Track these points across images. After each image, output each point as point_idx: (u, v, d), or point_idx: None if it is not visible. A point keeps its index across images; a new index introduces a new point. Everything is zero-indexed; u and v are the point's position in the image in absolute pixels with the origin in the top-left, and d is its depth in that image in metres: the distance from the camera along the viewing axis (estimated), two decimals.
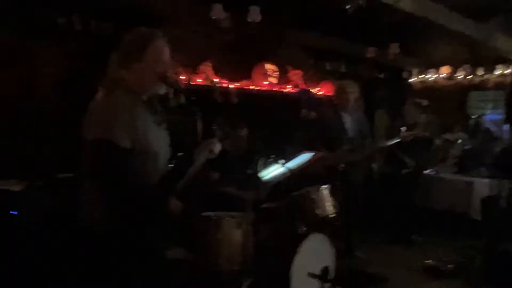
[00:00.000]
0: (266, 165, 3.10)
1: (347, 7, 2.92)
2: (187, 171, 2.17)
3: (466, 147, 6.65)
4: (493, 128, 6.69)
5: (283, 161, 2.94)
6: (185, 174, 2.16)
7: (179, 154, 2.14)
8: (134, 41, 1.95)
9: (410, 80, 7.96)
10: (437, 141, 6.14)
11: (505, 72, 6.76)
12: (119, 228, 1.84)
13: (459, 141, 6.48)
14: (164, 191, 2.00)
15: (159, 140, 1.98)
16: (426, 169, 5.64)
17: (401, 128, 4.84)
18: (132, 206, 1.86)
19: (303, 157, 3.17)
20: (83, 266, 2.17)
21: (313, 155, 3.21)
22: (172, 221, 2.10)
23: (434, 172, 5.81)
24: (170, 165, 2.09)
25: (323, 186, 3.53)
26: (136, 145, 1.83)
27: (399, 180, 5.17)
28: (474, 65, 7.05)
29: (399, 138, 4.69)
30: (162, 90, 2.02)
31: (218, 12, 4.11)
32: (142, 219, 1.91)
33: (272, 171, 3.08)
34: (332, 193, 3.56)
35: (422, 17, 4.16)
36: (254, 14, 4.25)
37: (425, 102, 7.70)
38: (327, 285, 3.25)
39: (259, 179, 3.06)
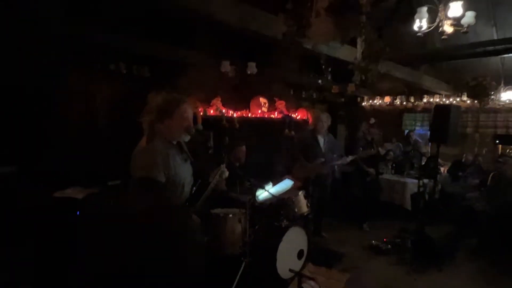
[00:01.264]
0: (257, 187, 3.06)
1: (319, 81, 2.93)
2: (205, 191, 2.21)
3: (401, 155, 6.71)
4: (419, 139, 6.75)
5: (270, 185, 2.93)
6: (203, 193, 2.19)
7: (199, 181, 2.17)
8: (168, 103, 1.97)
9: (362, 104, 7.99)
10: (381, 150, 6.13)
11: (430, 100, 6.83)
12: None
13: (396, 150, 6.50)
14: (188, 209, 2.02)
15: (184, 173, 2.01)
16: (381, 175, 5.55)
17: (360, 149, 4.86)
18: (164, 219, 1.87)
19: (286, 183, 3.17)
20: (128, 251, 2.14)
21: (293, 183, 3.21)
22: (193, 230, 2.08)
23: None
24: (193, 188, 2.12)
25: (300, 192, 3.56)
26: (169, 179, 1.86)
27: (359, 182, 5.14)
28: (408, 95, 7.11)
29: (357, 155, 4.65)
30: (187, 138, 2.04)
31: (225, 66, 4.12)
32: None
33: (260, 194, 3.09)
34: (306, 196, 3.59)
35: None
36: (251, 68, 4.27)
37: (373, 120, 7.77)
38: (302, 261, 3.33)
39: (254, 190, 3.06)
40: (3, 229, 2.67)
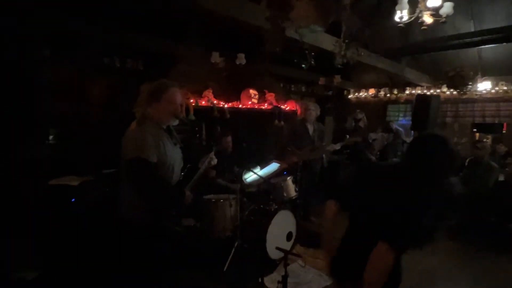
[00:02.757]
0: (246, 170, 3.05)
1: (303, 65, 2.89)
2: (194, 175, 2.18)
3: (386, 143, 6.75)
4: (401, 129, 6.79)
5: (258, 168, 2.92)
6: (192, 178, 2.16)
7: (188, 165, 2.13)
8: (156, 87, 1.92)
9: (349, 96, 8.00)
10: (369, 140, 6.17)
11: (412, 92, 6.85)
12: (148, 216, 1.83)
13: (380, 139, 6.54)
14: (179, 190, 1.99)
15: (174, 155, 1.97)
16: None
17: (347, 136, 4.87)
18: (158, 201, 1.85)
19: (273, 166, 3.16)
20: (119, 238, 2.12)
21: (280, 165, 3.19)
22: (186, 205, 2.05)
23: None
24: (182, 173, 2.09)
25: (288, 177, 3.55)
26: (159, 160, 1.82)
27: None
28: (391, 87, 7.13)
29: (343, 142, 4.62)
30: (175, 122, 2.00)
31: (215, 57, 4.06)
32: (165, 209, 1.91)
33: (249, 177, 3.07)
34: (294, 181, 3.58)
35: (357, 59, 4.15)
36: (241, 59, 4.21)
37: (362, 114, 7.80)
38: (291, 243, 3.33)
39: (242, 175, 3.03)
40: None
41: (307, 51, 2.66)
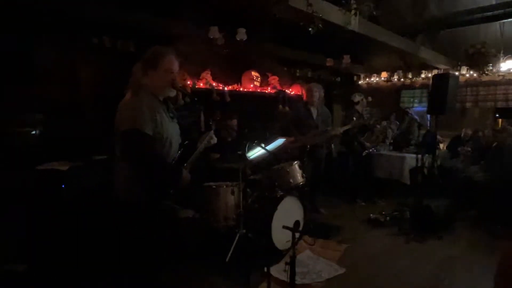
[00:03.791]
0: (252, 147, 3.08)
1: (310, 29, 2.89)
2: (192, 154, 2.19)
3: (399, 131, 6.75)
4: (416, 117, 6.78)
5: (263, 144, 2.94)
6: (190, 157, 2.18)
7: (186, 142, 2.15)
8: (152, 54, 1.93)
9: (359, 82, 7.98)
10: (378, 127, 6.17)
11: (428, 75, 6.82)
12: (145, 194, 1.84)
13: (393, 127, 6.54)
14: (177, 168, 2.00)
15: (171, 130, 1.97)
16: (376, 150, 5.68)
17: (353, 118, 4.89)
18: (155, 176, 1.86)
19: (279, 141, 3.17)
20: (112, 226, 2.14)
21: (285, 140, 3.21)
22: (184, 188, 2.05)
23: (375, 150, 5.86)
24: (179, 151, 2.10)
25: (295, 162, 3.57)
26: (155, 133, 1.84)
27: (355, 157, 5.21)
28: (405, 70, 7.11)
29: (350, 125, 4.70)
30: (172, 93, 2.01)
31: (214, 32, 4.06)
32: (163, 187, 1.91)
33: (255, 152, 3.08)
34: (301, 166, 3.60)
35: (367, 36, 4.16)
36: (241, 34, 4.21)
37: (370, 98, 7.77)
38: (298, 234, 3.34)
39: (246, 158, 3.04)
40: None
41: (314, 14, 2.65)
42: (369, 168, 5.18)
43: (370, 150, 5.14)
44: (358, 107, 5.12)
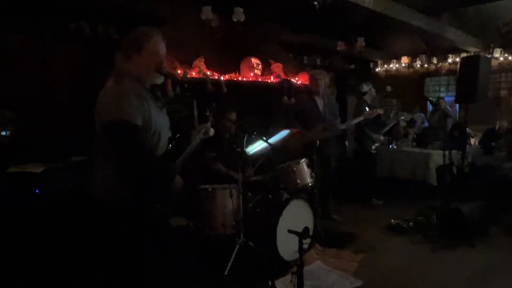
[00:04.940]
0: (252, 141, 3.08)
1: (315, 3, 2.89)
2: (184, 150, 2.19)
3: (425, 125, 6.74)
4: (450, 108, 6.76)
5: (265, 137, 2.95)
6: (183, 152, 2.18)
7: (177, 135, 2.15)
8: (134, 36, 1.94)
9: (376, 70, 7.98)
10: (400, 121, 6.17)
11: (456, 60, 6.81)
12: (131, 197, 1.83)
13: (418, 120, 6.55)
14: (168, 164, 2.00)
15: (161, 121, 1.97)
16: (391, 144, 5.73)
17: (366, 108, 4.90)
18: (143, 175, 1.84)
19: (282, 133, 3.18)
20: (94, 233, 2.15)
21: (290, 131, 3.22)
22: (176, 194, 2.06)
23: (396, 147, 5.86)
24: (169, 145, 2.10)
25: (302, 160, 3.57)
26: (144, 124, 1.84)
27: (368, 154, 5.24)
28: (429, 55, 7.10)
29: (363, 117, 4.70)
30: (160, 80, 2.01)
31: (207, 13, 4.08)
32: (151, 188, 1.89)
33: (256, 146, 3.08)
34: (309, 165, 3.60)
35: (384, 14, 4.15)
36: (238, 14, 4.22)
37: (389, 88, 7.77)
38: (307, 241, 3.34)
39: (246, 156, 3.04)
40: None
41: None
42: (383, 165, 5.26)
43: (379, 143, 5.24)
44: (366, 98, 5.15)
